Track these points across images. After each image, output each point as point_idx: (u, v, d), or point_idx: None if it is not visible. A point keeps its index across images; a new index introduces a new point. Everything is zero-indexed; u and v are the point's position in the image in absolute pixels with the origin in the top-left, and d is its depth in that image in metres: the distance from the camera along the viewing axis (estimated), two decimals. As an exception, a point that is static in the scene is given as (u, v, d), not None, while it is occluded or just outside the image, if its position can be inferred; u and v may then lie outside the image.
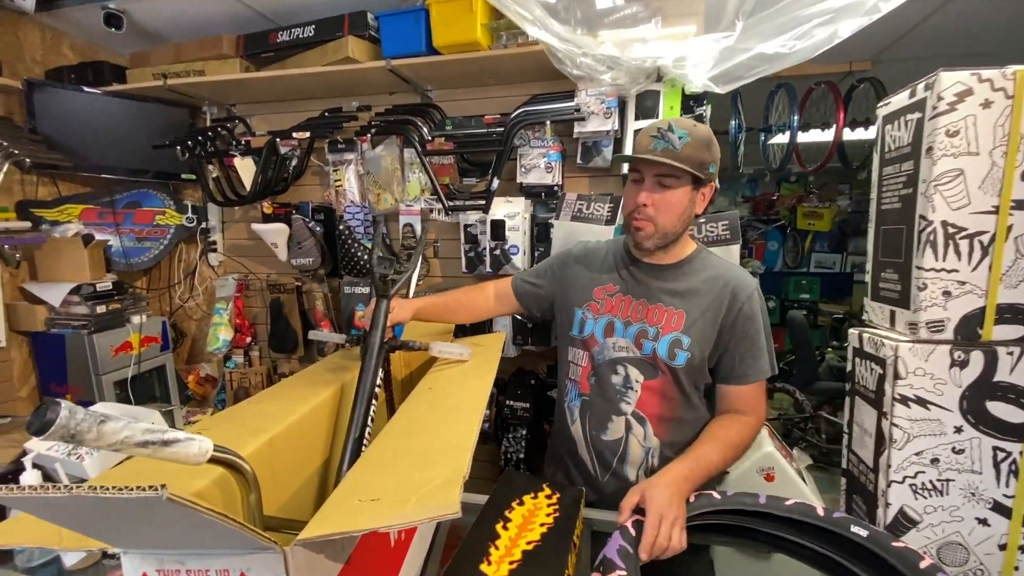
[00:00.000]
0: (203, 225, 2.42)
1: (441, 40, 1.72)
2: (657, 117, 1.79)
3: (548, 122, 1.79)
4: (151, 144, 2.17)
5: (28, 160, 1.81)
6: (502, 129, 1.86)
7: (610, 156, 1.91)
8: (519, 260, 1.89)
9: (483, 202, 1.84)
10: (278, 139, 2.00)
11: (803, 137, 2.56)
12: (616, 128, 1.80)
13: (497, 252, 1.88)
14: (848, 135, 2.61)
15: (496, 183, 1.84)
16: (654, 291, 1.19)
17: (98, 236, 2.15)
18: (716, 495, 0.97)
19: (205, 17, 2.05)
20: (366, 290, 2.22)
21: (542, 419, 1.96)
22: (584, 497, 1.03)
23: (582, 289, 1.30)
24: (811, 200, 5.79)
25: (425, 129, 1.94)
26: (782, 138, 2.69)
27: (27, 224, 1.98)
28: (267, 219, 2.24)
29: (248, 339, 2.43)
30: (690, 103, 1.80)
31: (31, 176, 2.13)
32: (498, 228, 1.87)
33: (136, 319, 2.19)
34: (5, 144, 1.75)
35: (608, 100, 1.79)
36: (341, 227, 2.08)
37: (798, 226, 5.85)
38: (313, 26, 1.89)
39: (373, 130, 1.91)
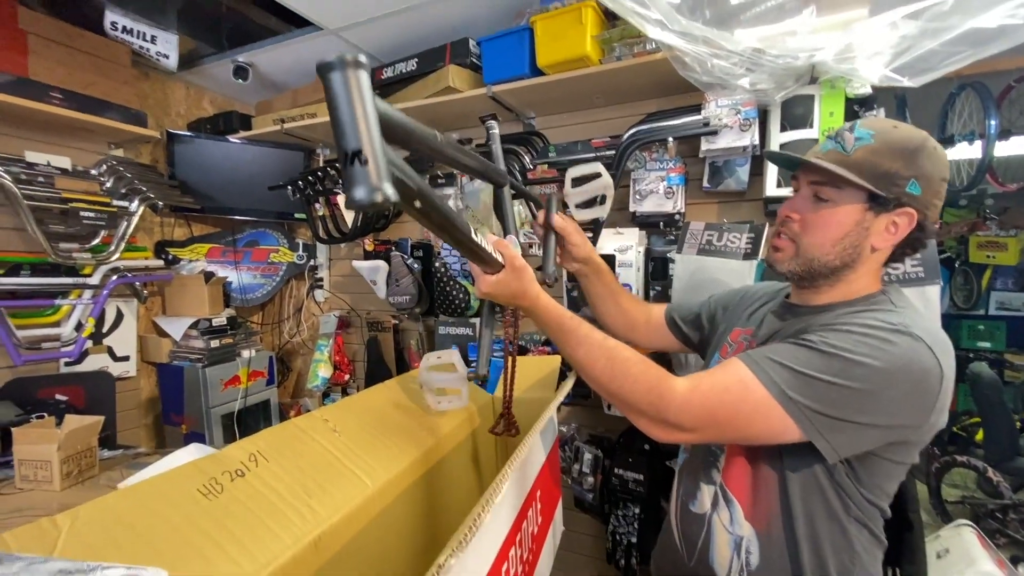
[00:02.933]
0: (312, 262, 2.47)
1: (547, 58, 1.56)
2: (810, 127, 1.46)
3: (671, 140, 1.53)
4: (267, 186, 2.27)
5: (161, 203, 1.94)
6: (612, 152, 1.64)
7: (745, 177, 1.60)
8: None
9: (590, 234, 1.61)
10: (379, 174, 1.96)
11: (1001, 147, 2.01)
12: (755, 143, 1.49)
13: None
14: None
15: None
16: (781, 335, 0.87)
17: (220, 273, 2.27)
18: None
19: (317, 61, 2.11)
20: (461, 331, 2.08)
21: (660, 494, 1.62)
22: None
23: (724, 331, 1.05)
24: (987, 228, 4.76)
25: (527, 158, 1.78)
26: (966, 150, 2.15)
27: (160, 263, 2.13)
28: (368, 256, 2.22)
29: (347, 376, 2.39)
30: (853, 108, 1.44)
31: (170, 219, 2.32)
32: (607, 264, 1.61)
33: (246, 353, 2.24)
34: (143, 189, 1.90)
35: (745, 110, 1.50)
36: (437, 264, 1.97)
37: (971, 259, 4.82)
38: (416, 59, 1.85)
39: (472, 160, 1.78)
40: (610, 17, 1.58)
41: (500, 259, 0.78)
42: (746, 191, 1.64)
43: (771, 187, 1.50)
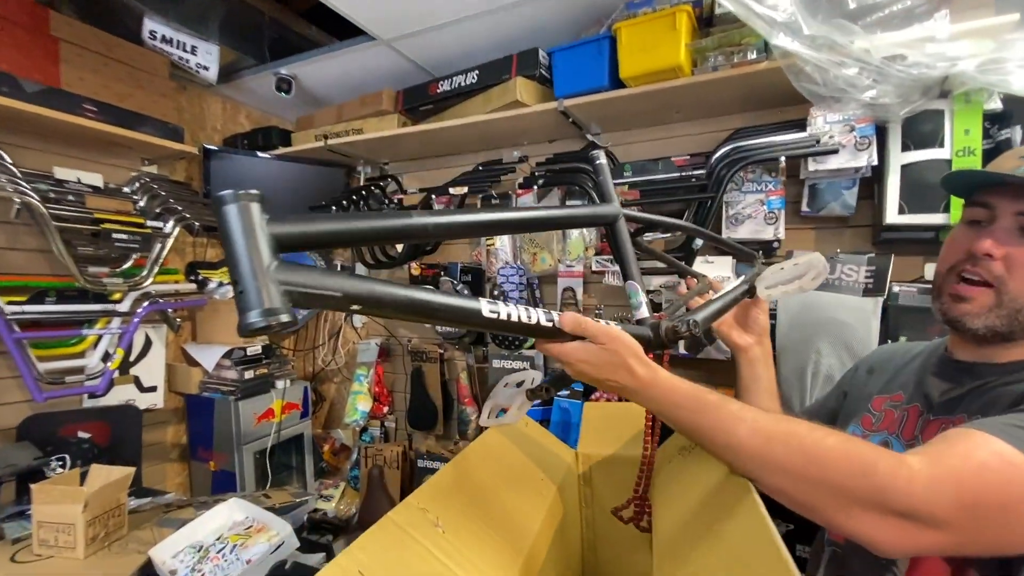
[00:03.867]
0: (349, 286, 2.32)
1: (632, 69, 1.41)
2: (941, 146, 1.28)
3: (783, 160, 1.35)
4: (308, 206, 2.13)
5: (197, 224, 1.80)
6: (701, 172, 1.47)
7: (852, 201, 1.42)
8: (727, 340, 1.43)
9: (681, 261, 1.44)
10: (433, 196, 1.80)
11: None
12: (874, 163, 1.31)
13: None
14: None
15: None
16: (967, 402, 0.68)
17: (253, 297, 2.11)
18: None
19: (366, 74, 1.98)
20: (516, 364, 1.90)
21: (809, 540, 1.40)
22: None
23: (861, 398, 0.86)
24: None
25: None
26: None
27: (193, 286, 1.98)
28: (414, 281, 2.05)
29: (385, 408, 2.22)
30: (984, 124, 1.27)
31: (202, 238, 2.18)
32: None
33: (280, 384, 2.08)
34: (179, 209, 1.76)
35: (860, 128, 1.32)
36: (492, 290, 1.80)
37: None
38: (477, 71, 1.70)
39: (540, 181, 1.62)
40: (703, 24, 1.42)
41: (553, 322, 0.61)
42: (848, 218, 1.47)
43: (893, 213, 1.31)
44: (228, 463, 1.97)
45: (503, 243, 1.91)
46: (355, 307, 0.45)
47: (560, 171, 1.64)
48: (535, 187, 1.64)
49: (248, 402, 1.96)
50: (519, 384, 0.91)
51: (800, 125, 1.45)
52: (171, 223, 1.75)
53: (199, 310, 2.07)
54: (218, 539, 1.18)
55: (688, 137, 1.69)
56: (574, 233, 1.78)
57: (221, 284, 2.11)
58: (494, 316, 0.54)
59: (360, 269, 2.31)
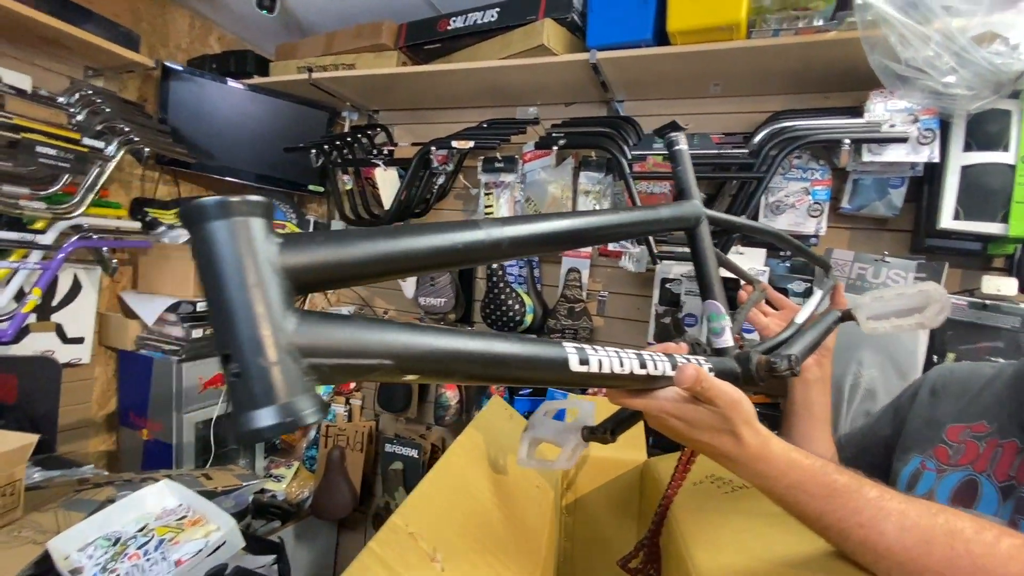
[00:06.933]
0: (322, 245, 2.06)
1: (682, 22, 1.22)
2: (1005, 149, 1.16)
3: (847, 144, 1.21)
4: (283, 148, 1.86)
5: (147, 150, 1.52)
6: (740, 152, 1.31)
7: (899, 202, 1.29)
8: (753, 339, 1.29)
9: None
10: (433, 148, 1.58)
11: None
12: (935, 159, 1.19)
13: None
14: None
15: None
16: None
17: (209, 246, 1.83)
18: None
19: (364, 4, 1.72)
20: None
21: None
22: None
23: (927, 425, 0.73)
24: None
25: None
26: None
27: (136, 225, 1.70)
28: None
29: (352, 385, 2.00)
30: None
31: (153, 172, 1.88)
32: (727, 289, 1.28)
33: (233, 348, 1.82)
34: (126, 130, 1.47)
35: (924, 119, 1.19)
36: (495, 265, 1.60)
37: None
38: (497, 9, 1.48)
39: (562, 142, 1.43)
40: (766, -20, 1.25)
41: (665, 368, 0.50)
42: (888, 220, 1.35)
43: (947, 218, 1.19)
44: (165, 432, 1.71)
45: (503, 212, 1.72)
46: (411, 377, 0.33)
47: (587, 133, 1.45)
48: (554, 149, 1.44)
49: (194, 365, 1.70)
50: (558, 414, 0.74)
51: (847, 112, 1.32)
52: (114, 145, 1.46)
53: (142, 254, 1.78)
54: (141, 530, 0.96)
55: (720, 116, 1.53)
56: (587, 207, 1.60)
57: (172, 227, 1.83)
58: (584, 371, 0.43)
59: (336, 225, 2.07)
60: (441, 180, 1.73)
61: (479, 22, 1.50)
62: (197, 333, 1.70)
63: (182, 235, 1.80)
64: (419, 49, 1.65)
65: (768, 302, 0.88)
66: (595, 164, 1.59)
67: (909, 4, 0.97)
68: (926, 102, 1.18)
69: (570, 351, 0.44)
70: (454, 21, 1.56)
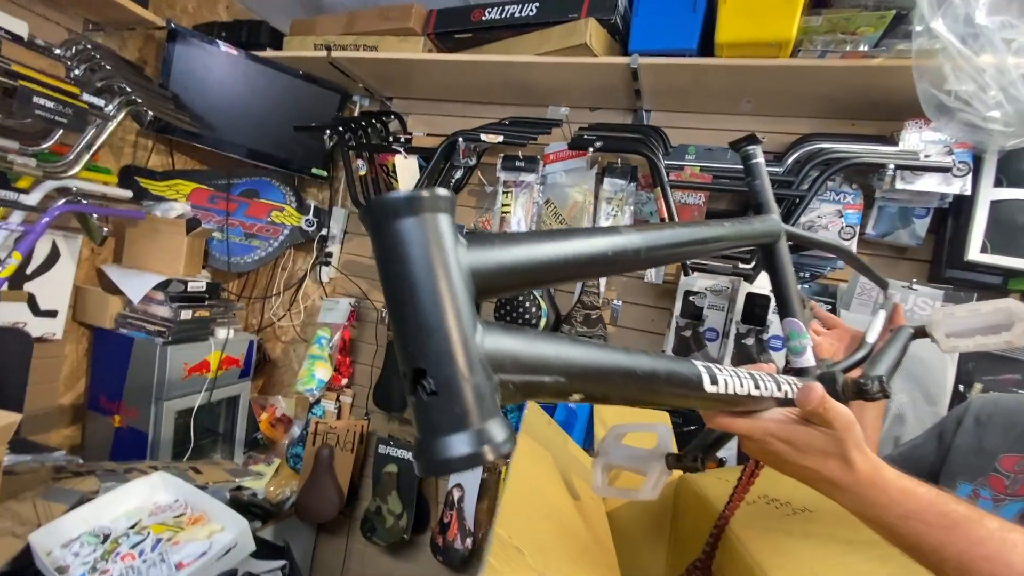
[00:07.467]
0: (323, 232, 1.97)
1: (731, 34, 1.21)
2: (1037, 188, 1.19)
3: (891, 169, 1.21)
4: (290, 127, 1.76)
5: (150, 114, 1.41)
6: (778, 169, 1.31)
7: (923, 232, 1.31)
8: (778, 358, 1.28)
9: (747, 267, 1.27)
10: (460, 139, 1.52)
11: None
12: (967, 192, 1.21)
13: (750, 342, 1.27)
14: None
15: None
16: None
17: (204, 224, 1.72)
18: None
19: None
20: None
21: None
22: None
23: (974, 454, 0.72)
24: None
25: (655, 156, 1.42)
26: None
27: (128, 193, 1.57)
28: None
29: (344, 380, 1.90)
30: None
31: (146, 140, 1.75)
32: (756, 307, 1.27)
33: (222, 333, 1.71)
34: (128, 90, 1.36)
35: (959, 152, 1.22)
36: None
37: None
38: (536, 3, 1.44)
39: (598, 144, 1.39)
40: (814, 2, 1.26)
41: (772, 389, 0.48)
42: (907, 249, 1.37)
43: (975, 250, 1.21)
44: (139, 420, 1.58)
45: (519, 213, 1.67)
46: (576, 397, 0.31)
47: (623, 138, 1.42)
48: (589, 151, 1.41)
49: (180, 348, 1.59)
50: (625, 438, 0.70)
51: (876, 140, 1.34)
52: (115, 104, 1.35)
53: (131, 225, 1.65)
54: (133, 527, 0.86)
55: (740, 133, 1.53)
56: (609, 212, 1.57)
57: (163, 199, 1.72)
58: (714, 391, 0.41)
59: (336, 214, 1.99)
60: (459, 174, 1.67)
61: (516, 15, 1.46)
62: (186, 315, 1.59)
63: (173, 209, 1.69)
64: (448, 37, 1.60)
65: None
66: (619, 171, 1.56)
67: (970, 34, 0.98)
68: (961, 135, 1.20)
69: (701, 369, 0.41)
70: (490, 11, 1.51)
